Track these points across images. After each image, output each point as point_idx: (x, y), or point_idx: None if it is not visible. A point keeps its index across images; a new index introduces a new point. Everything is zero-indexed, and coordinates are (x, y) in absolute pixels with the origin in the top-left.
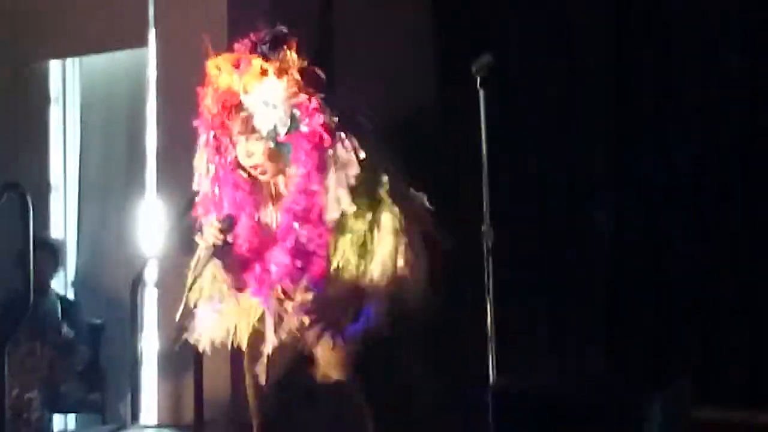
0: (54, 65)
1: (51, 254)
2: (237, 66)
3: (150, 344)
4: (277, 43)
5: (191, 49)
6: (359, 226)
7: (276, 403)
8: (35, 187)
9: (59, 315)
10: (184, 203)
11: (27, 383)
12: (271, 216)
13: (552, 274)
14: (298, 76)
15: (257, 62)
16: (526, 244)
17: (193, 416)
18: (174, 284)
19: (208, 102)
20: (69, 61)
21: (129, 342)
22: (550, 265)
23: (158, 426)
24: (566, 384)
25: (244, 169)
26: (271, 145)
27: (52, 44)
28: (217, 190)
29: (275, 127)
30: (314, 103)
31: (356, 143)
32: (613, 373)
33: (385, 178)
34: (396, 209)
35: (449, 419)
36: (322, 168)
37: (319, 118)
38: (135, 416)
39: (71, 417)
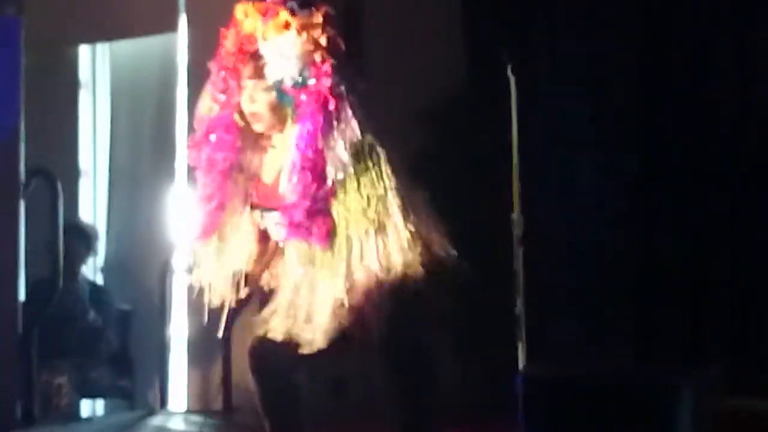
0: (84, 50)
1: (80, 240)
2: (264, 15)
3: (179, 330)
4: (307, 3)
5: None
6: (360, 192)
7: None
8: (65, 173)
9: (88, 301)
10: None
11: (56, 369)
12: (253, 166)
13: (582, 261)
14: (318, 37)
15: (284, 14)
16: (556, 231)
17: (221, 402)
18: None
19: (228, 43)
20: (99, 46)
21: (158, 328)
22: (580, 252)
23: (187, 412)
24: (597, 371)
25: (242, 117)
26: (275, 96)
27: (82, 29)
28: (213, 133)
29: (283, 78)
30: (326, 66)
31: (360, 113)
32: (644, 360)
33: (382, 152)
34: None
35: (479, 406)
36: (327, 128)
37: (327, 81)
38: (164, 402)
39: (100, 402)
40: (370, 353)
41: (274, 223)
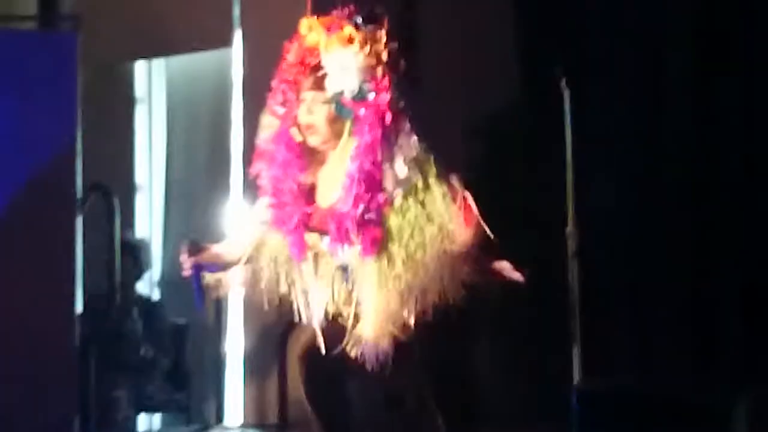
0: (139, 66)
1: (136, 255)
2: (328, 29)
3: (234, 345)
4: (371, 19)
5: (275, 50)
6: (413, 206)
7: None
8: (121, 188)
9: (144, 315)
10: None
11: (113, 383)
12: (311, 180)
13: (638, 274)
14: (380, 52)
15: (348, 29)
16: (612, 246)
17: (277, 416)
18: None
19: (290, 56)
20: (155, 61)
21: (214, 342)
22: (635, 265)
23: (243, 426)
24: (651, 385)
25: (299, 131)
26: (333, 108)
27: (137, 45)
28: (272, 147)
29: (343, 91)
30: (386, 80)
31: (417, 129)
32: (699, 374)
33: (434, 167)
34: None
35: (533, 418)
36: (385, 142)
37: (387, 96)
38: (219, 417)
39: (157, 416)
40: (416, 368)
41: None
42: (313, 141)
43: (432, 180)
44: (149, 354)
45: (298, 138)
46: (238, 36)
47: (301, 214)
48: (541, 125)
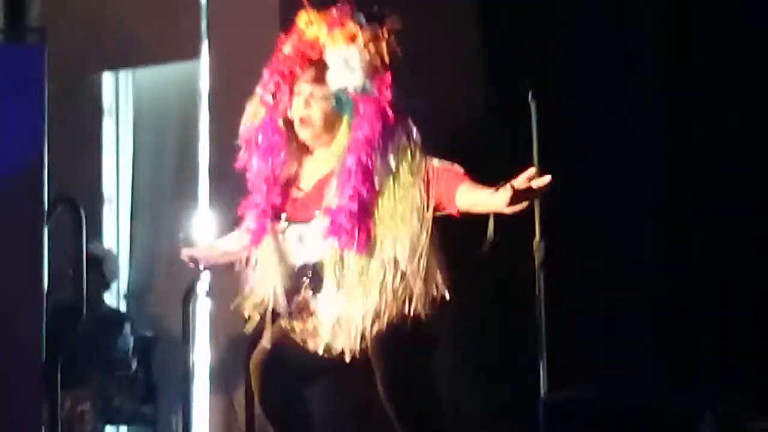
0: (107, 77)
1: (102, 267)
2: (330, 24)
3: (202, 357)
4: (374, 16)
5: (243, 62)
6: (399, 202)
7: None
8: (88, 200)
9: (111, 328)
10: (236, 216)
11: (79, 396)
12: (293, 171)
13: (605, 287)
14: (383, 51)
15: (351, 26)
16: (579, 257)
17: (244, 429)
18: (226, 297)
19: (286, 48)
20: (122, 73)
21: (181, 354)
22: (603, 278)
23: None
24: (619, 397)
25: (285, 124)
26: (332, 103)
27: (105, 57)
28: (260, 138)
29: (346, 87)
30: (389, 78)
31: (414, 132)
32: (667, 386)
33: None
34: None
35: (500, 430)
36: (385, 138)
37: (389, 94)
38: (186, 429)
39: (123, 429)
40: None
41: (296, 236)
42: (305, 134)
43: (405, 167)
44: (115, 366)
45: (283, 130)
46: (205, 48)
47: (272, 200)
48: (507, 137)
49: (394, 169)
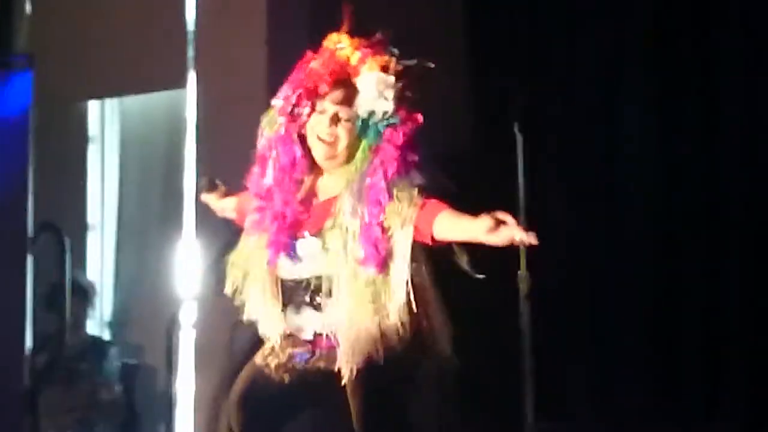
0: (93, 106)
1: (87, 295)
2: (364, 51)
3: (185, 386)
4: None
5: (230, 91)
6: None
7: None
8: (73, 227)
9: (94, 355)
10: (221, 245)
11: (62, 423)
12: (309, 185)
13: (592, 317)
14: (415, 87)
15: (387, 57)
16: (564, 288)
17: None
18: (210, 326)
19: (315, 65)
20: (108, 101)
21: (164, 383)
22: (589, 308)
23: None
24: (605, 426)
25: (300, 139)
26: (358, 126)
27: (91, 85)
28: (279, 150)
29: (374, 111)
30: (418, 116)
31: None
32: (654, 414)
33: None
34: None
35: None
36: (402, 173)
37: (414, 127)
38: None
39: None
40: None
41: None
42: (320, 151)
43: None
44: (98, 394)
45: (297, 145)
46: (192, 77)
47: (292, 213)
48: (493, 168)
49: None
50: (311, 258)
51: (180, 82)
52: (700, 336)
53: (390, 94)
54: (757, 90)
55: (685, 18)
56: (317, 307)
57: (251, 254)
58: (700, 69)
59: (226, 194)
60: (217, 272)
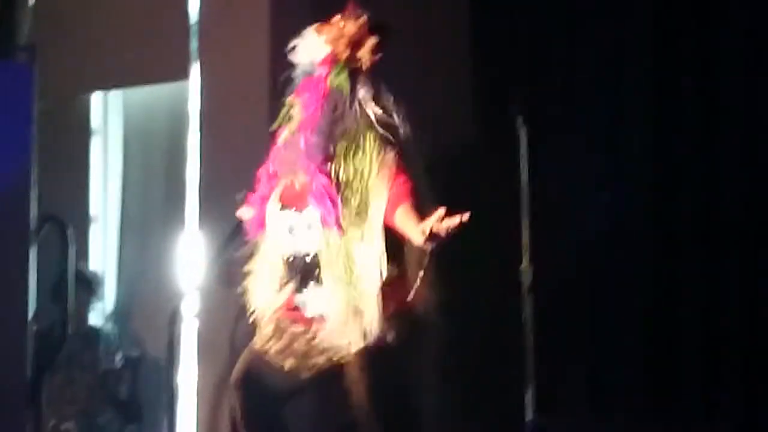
0: (96, 98)
1: (90, 286)
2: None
3: (187, 377)
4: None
5: (233, 83)
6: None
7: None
8: (76, 219)
9: (97, 347)
10: (224, 237)
11: (64, 414)
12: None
13: (593, 311)
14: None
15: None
16: (566, 282)
17: None
18: (213, 317)
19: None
20: (111, 93)
21: (166, 374)
22: (591, 302)
23: None
24: (605, 422)
25: None
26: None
27: (94, 77)
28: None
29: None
30: (329, 57)
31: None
32: (653, 412)
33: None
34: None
35: None
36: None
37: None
38: None
39: None
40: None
41: (287, 225)
42: None
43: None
44: (101, 386)
45: None
46: (194, 69)
47: (270, 185)
48: (496, 163)
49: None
50: (309, 232)
51: (183, 74)
52: (700, 333)
53: (312, 48)
54: (758, 87)
55: (685, 11)
56: (317, 283)
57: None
58: (701, 62)
59: None
60: (220, 264)
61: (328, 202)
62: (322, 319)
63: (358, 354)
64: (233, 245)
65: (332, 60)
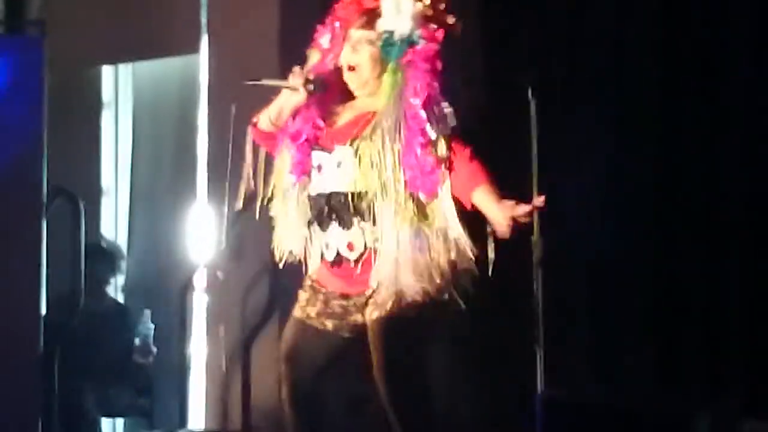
0: (106, 71)
1: (104, 260)
2: None
3: (198, 349)
4: None
5: (243, 56)
6: None
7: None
8: (87, 192)
9: (109, 320)
10: (234, 210)
11: (77, 387)
12: (337, 110)
13: (602, 285)
14: (440, 8)
15: None
16: (577, 255)
17: (240, 422)
18: (223, 290)
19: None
20: (121, 66)
21: (178, 347)
22: (600, 275)
23: (205, 431)
24: (615, 395)
25: (337, 71)
26: (379, 48)
27: (104, 50)
28: (309, 86)
29: (393, 31)
30: (439, 33)
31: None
32: (662, 385)
33: None
34: None
35: (495, 427)
36: (435, 85)
37: (435, 47)
38: (183, 421)
39: (120, 421)
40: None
41: (317, 164)
42: (352, 81)
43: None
44: (113, 358)
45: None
46: (205, 42)
47: (314, 132)
48: (506, 134)
49: (449, 123)
50: (341, 170)
51: (193, 47)
52: (708, 306)
53: (409, 11)
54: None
55: None
56: (345, 223)
57: (277, 175)
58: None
59: None
60: (231, 236)
61: (422, 172)
62: (353, 267)
63: (383, 313)
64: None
65: (441, 33)
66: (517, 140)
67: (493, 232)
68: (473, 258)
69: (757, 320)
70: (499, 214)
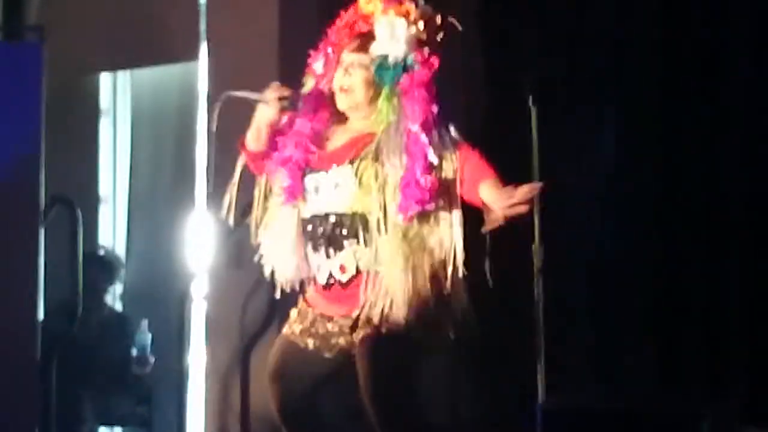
0: (105, 78)
1: (103, 268)
2: (387, 2)
3: (197, 358)
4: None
5: (242, 63)
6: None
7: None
8: (85, 200)
9: (108, 328)
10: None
11: (75, 395)
12: (327, 134)
13: (603, 291)
14: (434, 31)
15: (407, 5)
16: (577, 262)
17: (239, 431)
18: (222, 298)
19: (341, 22)
20: (120, 73)
21: (176, 355)
22: (601, 282)
23: None
24: (616, 402)
25: (330, 94)
26: (372, 71)
27: (103, 57)
28: (284, 102)
29: (387, 55)
30: (434, 59)
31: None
32: (663, 390)
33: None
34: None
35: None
36: (431, 110)
37: (431, 71)
38: (181, 430)
39: (118, 429)
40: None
41: (313, 185)
42: (344, 103)
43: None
44: (112, 367)
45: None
46: (203, 49)
47: (305, 157)
48: (507, 142)
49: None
50: (338, 191)
51: (192, 54)
52: (709, 311)
53: (403, 35)
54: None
55: None
56: (337, 245)
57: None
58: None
59: None
60: (230, 245)
61: (416, 199)
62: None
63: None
64: (242, 225)
65: (435, 59)
66: (517, 140)
67: (492, 234)
68: (466, 281)
69: (757, 321)
70: (499, 199)
